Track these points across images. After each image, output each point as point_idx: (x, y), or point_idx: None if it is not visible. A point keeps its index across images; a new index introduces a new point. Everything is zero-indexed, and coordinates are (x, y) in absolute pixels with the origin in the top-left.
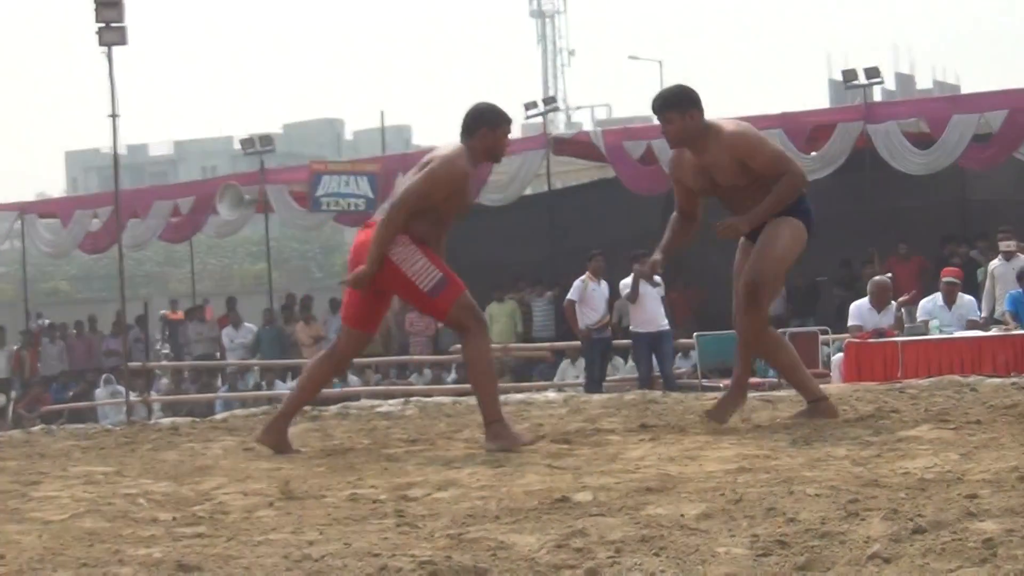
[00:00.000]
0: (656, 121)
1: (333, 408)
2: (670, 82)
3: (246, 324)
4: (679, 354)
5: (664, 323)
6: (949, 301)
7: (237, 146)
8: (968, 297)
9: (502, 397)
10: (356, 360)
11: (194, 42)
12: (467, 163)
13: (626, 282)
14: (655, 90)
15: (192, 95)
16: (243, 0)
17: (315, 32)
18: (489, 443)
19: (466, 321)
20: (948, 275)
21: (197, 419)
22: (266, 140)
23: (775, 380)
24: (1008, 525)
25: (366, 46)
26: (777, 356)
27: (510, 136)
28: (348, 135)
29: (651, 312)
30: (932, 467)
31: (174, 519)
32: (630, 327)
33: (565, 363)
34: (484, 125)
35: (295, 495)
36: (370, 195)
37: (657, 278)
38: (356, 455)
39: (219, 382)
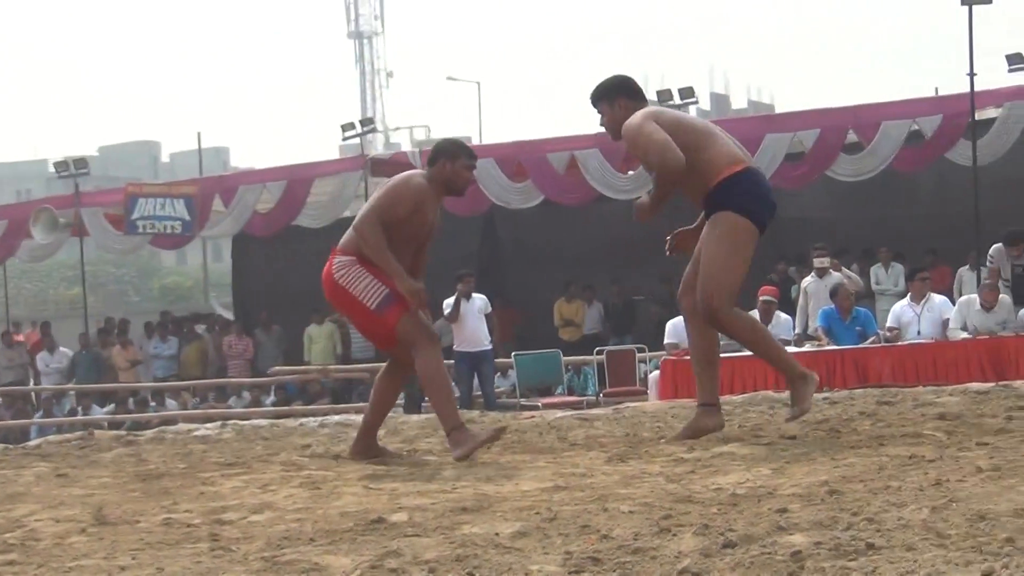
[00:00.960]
0: (475, 142)
1: (149, 432)
2: (488, 104)
3: (61, 348)
4: (498, 373)
5: (487, 343)
6: (766, 319)
7: (51, 169)
8: (784, 316)
9: (320, 419)
10: (177, 385)
11: (5, 64)
12: (426, 185)
13: (448, 301)
14: (473, 111)
15: (6, 118)
16: (57, 22)
17: (131, 53)
18: (454, 450)
19: (414, 335)
20: (765, 294)
21: (9, 446)
22: (81, 163)
23: (592, 398)
24: (816, 538)
25: (183, 67)
26: (757, 345)
27: (467, 169)
28: (165, 157)
29: (472, 331)
30: (744, 482)
31: None
32: (453, 346)
33: None
34: (442, 157)
35: (108, 521)
36: (187, 218)
37: (482, 297)
38: (171, 479)
39: (33, 408)
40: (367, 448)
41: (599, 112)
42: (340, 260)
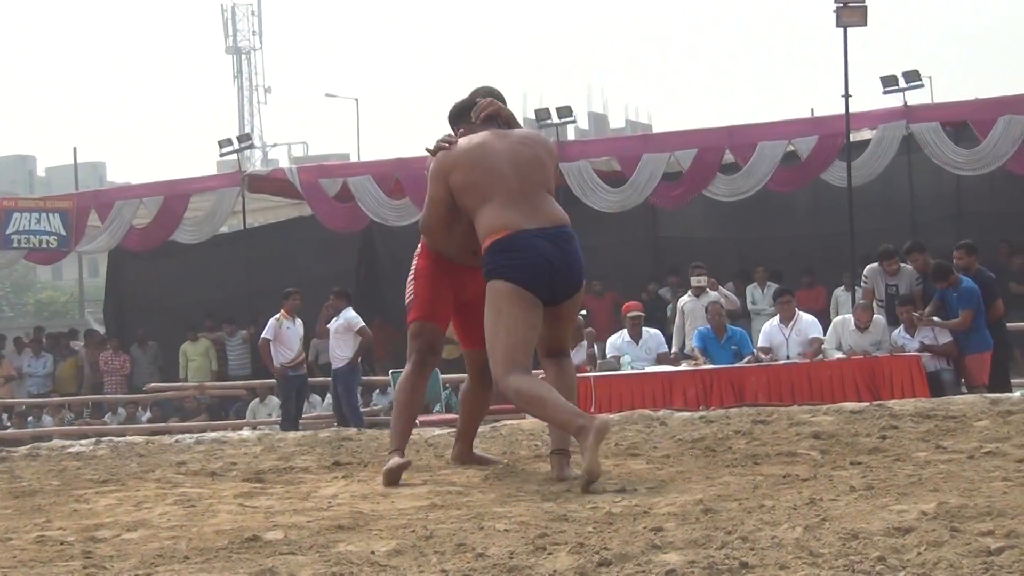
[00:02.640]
0: (354, 159)
1: (23, 449)
2: (366, 120)
3: None
4: (376, 391)
5: (340, 361)
6: (635, 335)
7: None
8: (654, 331)
9: (195, 436)
10: (51, 400)
11: None
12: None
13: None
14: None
15: None
16: None
17: (5, 66)
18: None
19: (409, 346)
20: (631, 310)
21: None
22: None
23: None
24: (691, 556)
25: (58, 82)
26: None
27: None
28: (40, 172)
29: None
30: (620, 500)
31: None
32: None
33: (255, 402)
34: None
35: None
36: (62, 232)
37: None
38: (44, 496)
39: None
40: (462, 454)
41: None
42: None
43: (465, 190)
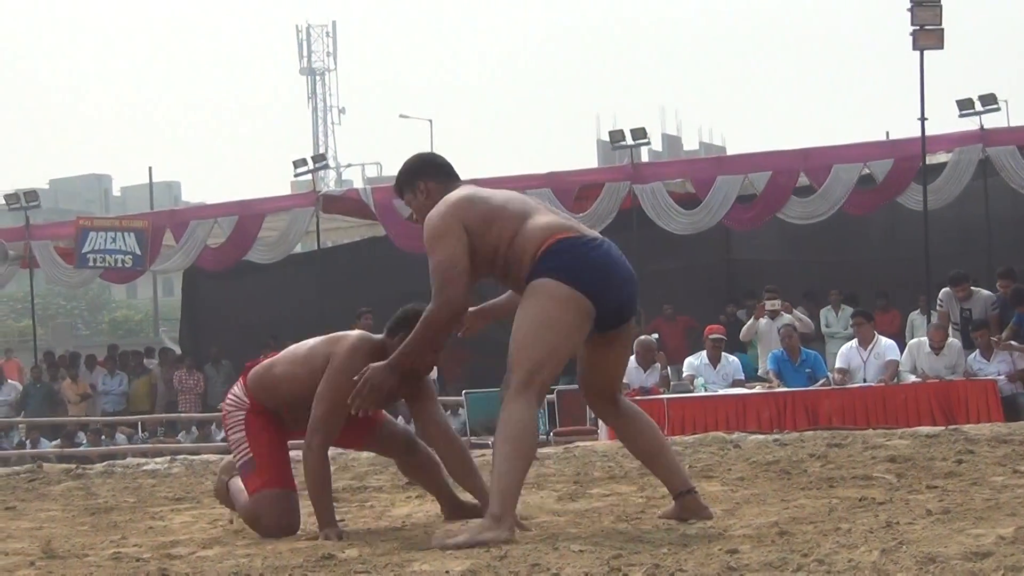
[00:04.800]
0: None
1: (98, 466)
2: (440, 141)
3: (10, 381)
4: (448, 412)
5: None
6: (713, 359)
7: (2, 201)
8: (733, 358)
9: None
10: (126, 419)
11: None
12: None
13: None
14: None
15: None
16: (7, 54)
17: (84, 87)
18: None
19: (253, 516)
20: (713, 332)
21: None
22: (31, 195)
23: (543, 436)
24: None
25: (135, 102)
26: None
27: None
28: (116, 191)
29: None
30: (694, 523)
31: None
32: None
33: None
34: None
35: (57, 554)
36: (137, 251)
37: None
38: (120, 513)
39: None
40: (452, 511)
41: (406, 204)
42: (233, 395)
43: (491, 218)
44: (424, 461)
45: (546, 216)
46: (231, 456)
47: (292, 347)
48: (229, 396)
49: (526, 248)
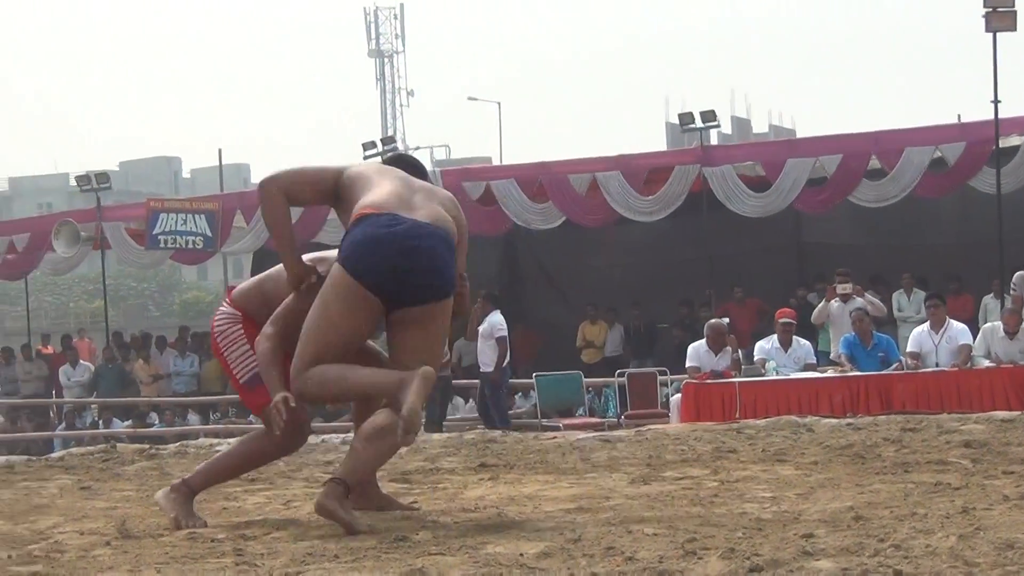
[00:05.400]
0: (496, 162)
1: (172, 447)
2: (509, 123)
3: (83, 362)
4: (519, 394)
5: (486, 366)
6: (784, 342)
7: (73, 183)
8: (804, 341)
9: (342, 436)
10: (197, 400)
11: (29, 78)
12: None
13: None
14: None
15: (27, 132)
16: (78, 37)
17: (152, 69)
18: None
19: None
20: (783, 316)
21: (33, 458)
22: (103, 177)
23: (613, 419)
24: (843, 564)
25: (204, 84)
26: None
27: None
28: (185, 173)
29: (474, 353)
30: (769, 507)
31: (9, 557)
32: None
33: None
34: None
35: (132, 534)
36: (208, 233)
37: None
38: None
39: (56, 420)
40: (366, 496)
41: None
42: (222, 314)
43: (352, 184)
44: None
45: (379, 192)
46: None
47: (278, 267)
48: (217, 316)
49: (347, 224)
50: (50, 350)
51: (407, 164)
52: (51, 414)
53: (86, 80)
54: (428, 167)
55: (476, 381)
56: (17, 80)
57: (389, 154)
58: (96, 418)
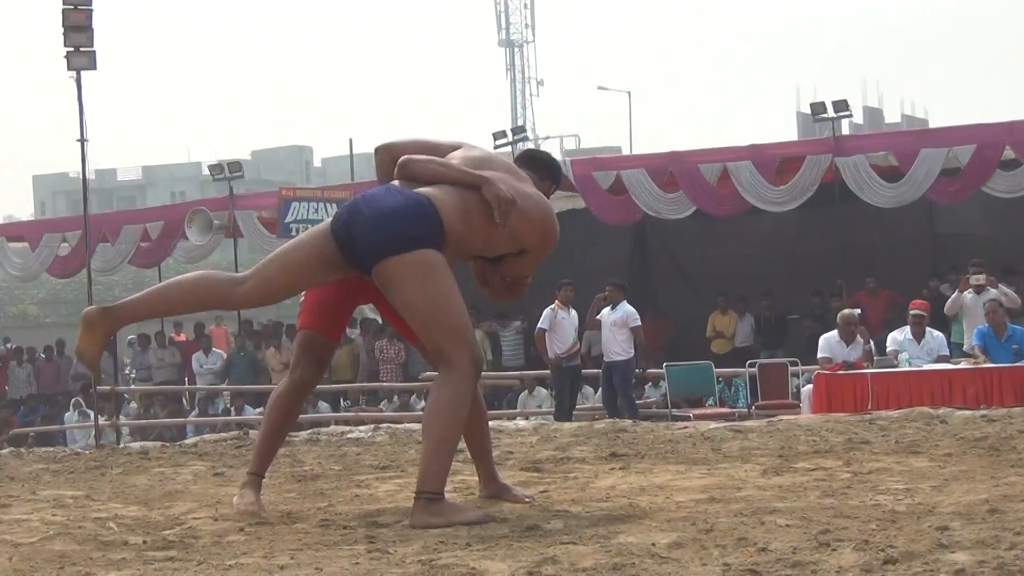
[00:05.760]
0: (625, 151)
1: (303, 434)
2: (639, 113)
3: (215, 350)
4: (648, 384)
5: (618, 354)
6: (917, 334)
7: (206, 172)
8: (938, 333)
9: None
10: (328, 387)
11: (163, 67)
12: None
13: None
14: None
15: (161, 121)
16: (212, 27)
17: (284, 59)
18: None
19: (292, 358)
20: (916, 308)
21: (167, 444)
22: (235, 166)
23: (744, 410)
24: (979, 557)
25: (335, 73)
26: None
27: None
28: (317, 162)
29: (606, 342)
30: (903, 499)
31: (144, 543)
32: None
33: (523, 394)
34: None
35: (266, 521)
36: None
37: (626, 308)
38: (326, 481)
39: (189, 407)
40: (491, 487)
41: None
42: None
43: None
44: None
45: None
46: None
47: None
48: None
49: None
50: (183, 337)
51: (536, 161)
52: (184, 401)
53: (219, 70)
54: (558, 156)
55: (597, 371)
56: (151, 70)
57: (523, 149)
58: (228, 405)
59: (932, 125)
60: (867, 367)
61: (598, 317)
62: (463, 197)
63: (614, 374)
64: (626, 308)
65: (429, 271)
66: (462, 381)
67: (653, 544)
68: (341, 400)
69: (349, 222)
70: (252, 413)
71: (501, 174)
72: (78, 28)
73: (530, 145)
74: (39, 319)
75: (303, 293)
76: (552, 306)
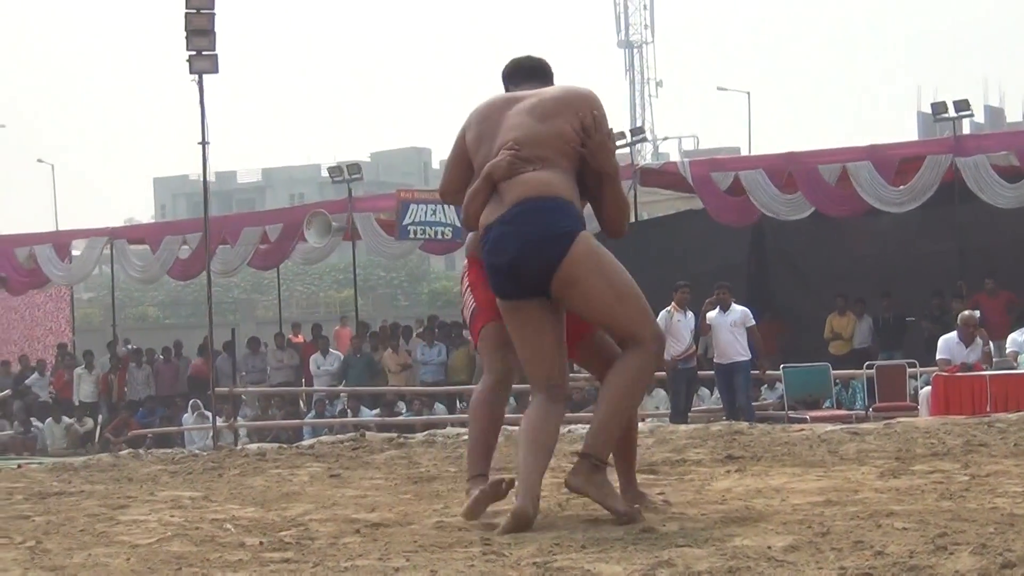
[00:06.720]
0: (744, 152)
1: (419, 436)
2: (758, 113)
3: (332, 351)
4: (764, 385)
5: (739, 355)
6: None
7: (325, 174)
8: None
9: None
10: (442, 389)
11: (283, 70)
12: None
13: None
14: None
15: (280, 123)
16: (332, 29)
17: (403, 60)
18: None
19: (484, 359)
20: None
21: (284, 445)
22: (354, 168)
23: (861, 412)
24: None
25: (454, 75)
26: None
27: None
28: (435, 164)
29: (726, 344)
30: (1021, 502)
31: (261, 544)
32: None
33: None
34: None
35: (381, 523)
36: (457, 224)
37: (743, 309)
38: (442, 483)
39: (306, 408)
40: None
41: None
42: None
43: (473, 154)
44: None
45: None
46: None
47: None
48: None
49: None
50: (300, 339)
51: (536, 71)
52: (301, 403)
53: (338, 72)
54: (676, 158)
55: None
56: (270, 73)
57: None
58: (345, 407)
59: None
60: (986, 369)
61: (708, 322)
62: (550, 173)
63: (736, 374)
64: (743, 309)
65: (597, 257)
66: (650, 357)
67: (769, 547)
68: (457, 402)
69: (514, 262)
70: (369, 414)
71: (513, 122)
72: (200, 32)
73: (648, 146)
74: (158, 320)
75: (471, 296)
76: (668, 308)
